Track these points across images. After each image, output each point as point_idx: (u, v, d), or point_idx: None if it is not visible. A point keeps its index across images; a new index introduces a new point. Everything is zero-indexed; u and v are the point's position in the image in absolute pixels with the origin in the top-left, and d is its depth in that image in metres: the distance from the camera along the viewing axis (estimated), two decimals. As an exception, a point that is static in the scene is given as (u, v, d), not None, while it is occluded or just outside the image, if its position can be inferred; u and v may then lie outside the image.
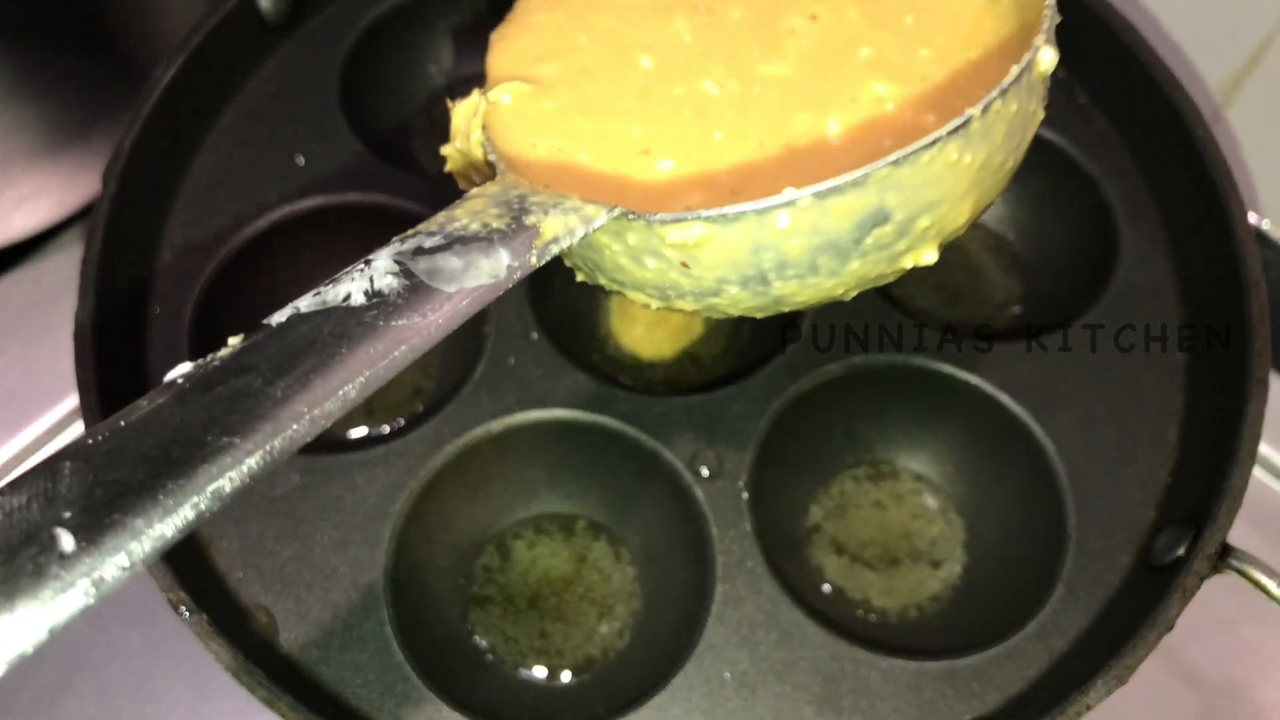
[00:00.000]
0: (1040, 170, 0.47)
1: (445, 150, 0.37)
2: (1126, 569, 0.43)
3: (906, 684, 0.41)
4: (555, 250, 0.29)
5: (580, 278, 0.36)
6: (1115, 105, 0.51)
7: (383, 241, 0.29)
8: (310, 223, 0.49)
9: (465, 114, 0.35)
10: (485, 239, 0.28)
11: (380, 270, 0.27)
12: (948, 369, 0.46)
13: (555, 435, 0.46)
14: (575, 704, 0.45)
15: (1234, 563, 0.39)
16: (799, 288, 0.32)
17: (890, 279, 0.33)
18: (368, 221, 0.49)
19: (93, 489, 0.22)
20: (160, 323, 0.47)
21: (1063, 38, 0.32)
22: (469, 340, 0.47)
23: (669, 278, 0.32)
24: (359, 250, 0.29)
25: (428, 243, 0.28)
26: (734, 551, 0.43)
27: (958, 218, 0.31)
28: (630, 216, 0.30)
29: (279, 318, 0.26)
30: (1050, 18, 0.31)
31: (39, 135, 0.53)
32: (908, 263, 0.32)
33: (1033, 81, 0.31)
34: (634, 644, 0.46)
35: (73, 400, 0.54)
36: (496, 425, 0.45)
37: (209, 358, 0.25)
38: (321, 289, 0.27)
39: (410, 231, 0.29)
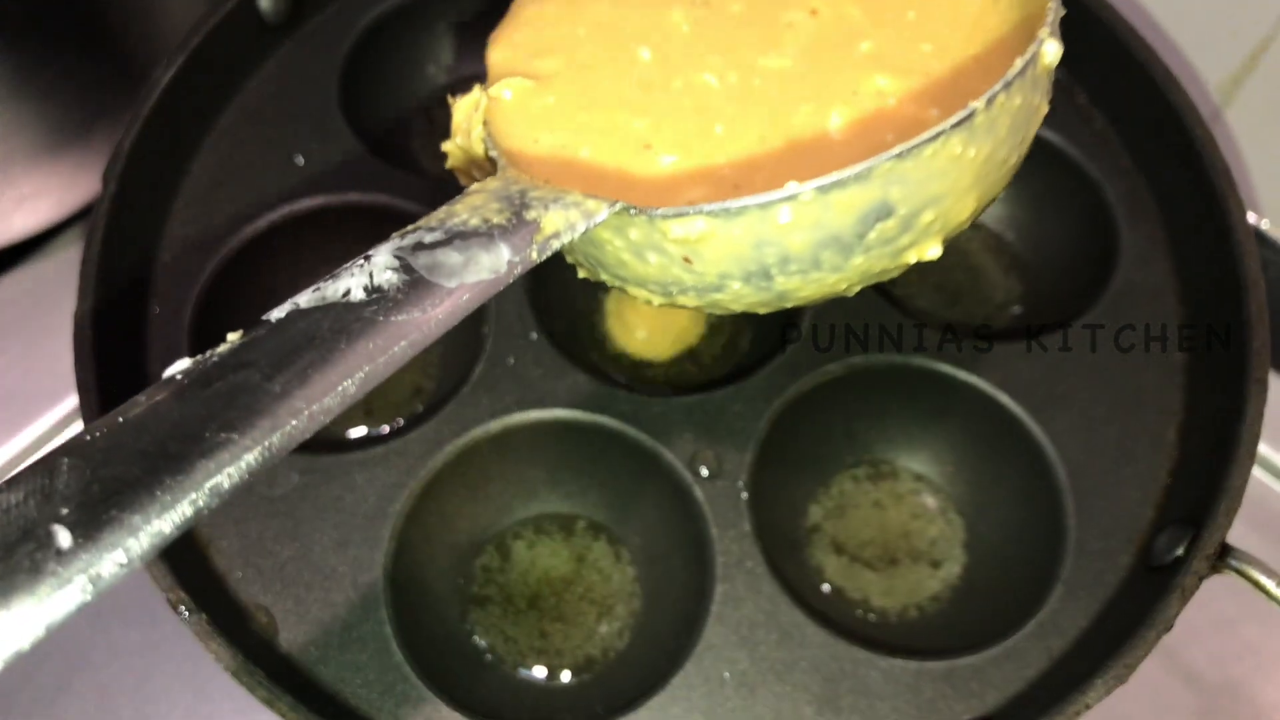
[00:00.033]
0: (1040, 170, 0.47)
1: (446, 147, 0.37)
2: (1126, 569, 0.43)
3: (906, 684, 0.41)
4: (556, 245, 0.29)
5: (582, 274, 0.36)
6: (1115, 105, 0.51)
7: (382, 242, 0.29)
8: (310, 223, 0.49)
9: (466, 110, 0.35)
10: (486, 234, 0.28)
11: (380, 265, 0.27)
12: (947, 369, 0.46)
13: (555, 435, 0.46)
14: (575, 704, 0.44)
15: (1233, 563, 0.39)
16: (802, 283, 0.32)
17: (894, 274, 0.33)
18: (368, 221, 0.49)
19: (90, 485, 0.22)
20: (160, 323, 0.47)
21: (1062, 37, 0.32)
22: (468, 340, 0.47)
23: (671, 273, 0.32)
24: (359, 250, 0.28)
25: (428, 238, 0.28)
26: (733, 551, 0.43)
27: (962, 212, 0.31)
28: (632, 211, 0.30)
29: (278, 313, 0.26)
30: (1055, 10, 0.31)
31: (39, 135, 0.53)
32: (911, 257, 0.32)
33: (1037, 75, 0.30)
34: (634, 644, 0.46)
35: (73, 400, 0.54)
36: (496, 425, 0.45)
37: (208, 353, 0.25)
38: (321, 284, 0.27)
39: (410, 227, 0.29)
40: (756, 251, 0.30)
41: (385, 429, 0.49)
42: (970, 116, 0.28)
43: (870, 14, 0.35)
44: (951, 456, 0.49)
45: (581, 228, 0.30)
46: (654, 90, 0.35)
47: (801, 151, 0.33)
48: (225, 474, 0.23)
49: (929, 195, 0.30)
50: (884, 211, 0.30)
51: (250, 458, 0.23)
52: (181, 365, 0.25)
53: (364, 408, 0.50)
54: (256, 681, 0.38)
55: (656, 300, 0.34)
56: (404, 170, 0.50)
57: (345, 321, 0.26)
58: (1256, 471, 0.56)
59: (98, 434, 0.23)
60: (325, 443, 0.46)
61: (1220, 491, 0.40)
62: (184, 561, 0.40)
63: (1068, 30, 0.32)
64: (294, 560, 0.42)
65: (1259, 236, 0.58)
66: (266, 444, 0.24)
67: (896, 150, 0.28)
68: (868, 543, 0.48)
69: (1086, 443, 0.45)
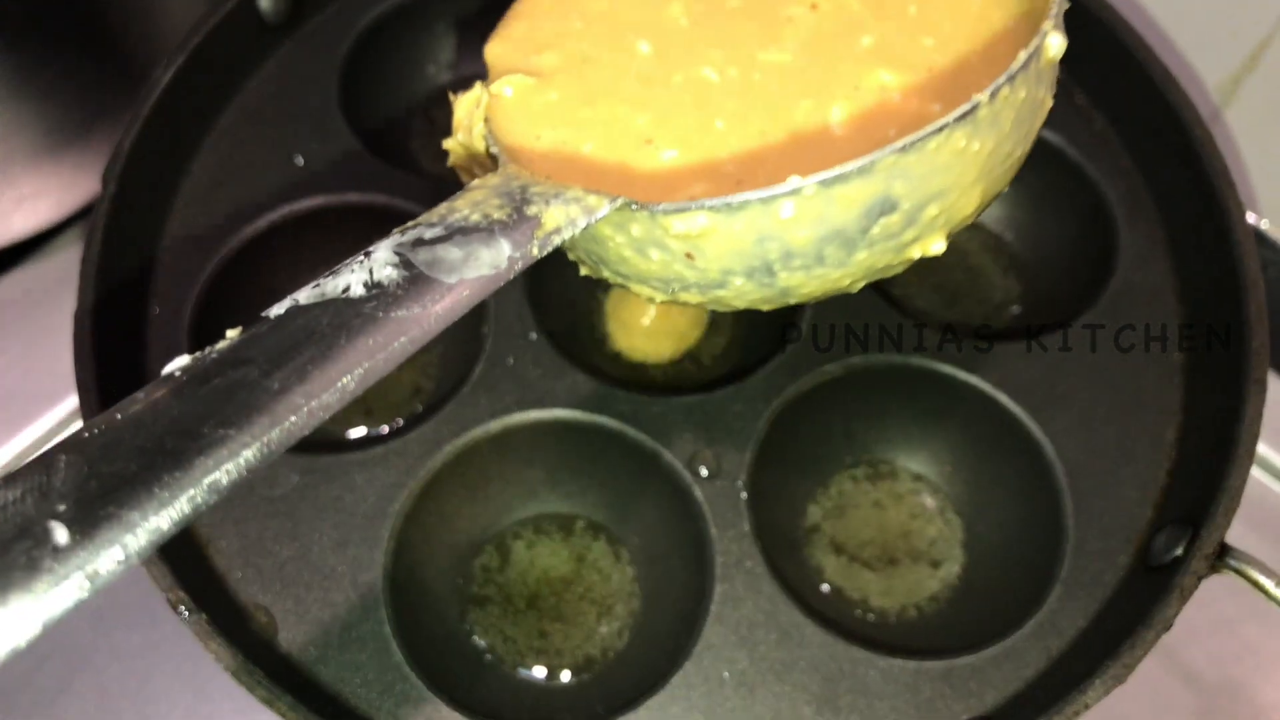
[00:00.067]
0: (1039, 170, 0.47)
1: (448, 144, 0.37)
2: (1125, 569, 0.43)
3: (905, 683, 0.41)
4: (557, 241, 0.29)
5: (584, 272, 0.35)
6: (1114, 105, 0.51)
7: (382, 238, 0.29)
8: (310, 223, 0.49)
9: (468, 107, 0.35)
10: (486, 230, 0.28)
11: (380, 262, 0.27)
12: (947, 369, 0.46)
13: (554, 435, 0.46)
14: (574, 704, 0.44)
15: (1232, 562, 0.39)
16: (805, 278, 0.31)
17: (898, 269, 0.33)
18: (367, 221, 0.49)
19: (87, 482, 0.22)
20: (160, 323, 0.47)
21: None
22: (468, 340, 0.47)
23: (674, 269, 0.32)
24: (358, 250, 0.28)
25: (428, 234, 0.28)
26: (733, 551, 0.43)
27: (966, 206, 0.31)
28: (634, 207, 0.30)
29: (278, 310, 0.26)
30: (1059, 2, 0.31)
31: (39, 135, 0.53)
32: (915, 253, 0.31)
33: (1041, 68, 0.30)
34: (633, 644, 0.46)
35: (73, 400, 0.54)
36: (495, 425, 0.45)
37: (206, 350, 0.25)
38: (321, 281, 0.27)
39: (411, 223, 0.29)
40: (759, 247, 0.30)
41: (385, 429, 0.49)
42: (974, 110, 0.28)
43: (871, 8, 0.35)
44: (950, 456, 0.49)
45: (583, 223, 0.30)
46: (654, 85, 0.35)
47: (803, 146, 0.32)
48: (224, 470, 0.23)
49: (933, 189, 0.30)
50: (887, 206, 0.29)
51: (249, 454, 0.23)
52: (180, 362, 0.25)
53: (363, 408, 0.50)
54: (256, 681, 0.38)
55: (659, 297, 0.34)
56: (404, 170, 0.50)
57: (345, 317, 0.26)
58: (1255, 471, 0.56)
59: (95, 431, 0.23)
60: (325, 443, 0.46)
61: (1219, 491, 0.40)
62: (184, 561, 0.40)
63: (1067, 31, 0.32)
64: (294, 560, 0.42)
65: (1258, 236, 0.58)
66: (265, 440, 0.24)
67: (900, 144, 0.28)
68: (867, 543, 0.48)
69: (1086, 443, 0.45)
